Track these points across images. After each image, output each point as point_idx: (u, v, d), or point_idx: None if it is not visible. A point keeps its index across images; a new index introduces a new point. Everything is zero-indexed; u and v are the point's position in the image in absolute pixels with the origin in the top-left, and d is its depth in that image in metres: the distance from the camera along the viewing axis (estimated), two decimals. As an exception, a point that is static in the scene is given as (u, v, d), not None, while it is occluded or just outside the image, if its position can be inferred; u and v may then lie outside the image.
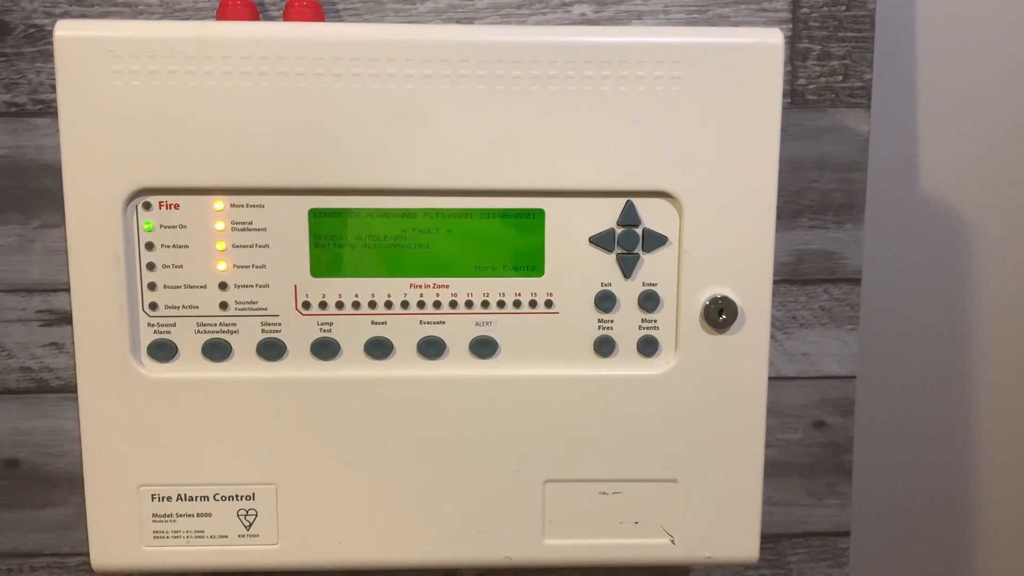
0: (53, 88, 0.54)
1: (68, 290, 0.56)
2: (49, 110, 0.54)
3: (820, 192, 0.57)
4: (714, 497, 0.50)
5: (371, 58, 0.45)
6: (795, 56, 0.56)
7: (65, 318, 0.56)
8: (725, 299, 0.47)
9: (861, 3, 0.56)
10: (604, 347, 0.48)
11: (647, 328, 0.49)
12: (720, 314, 0.47)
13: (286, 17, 0.50)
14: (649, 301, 0.48)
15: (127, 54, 0.45)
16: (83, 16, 0.53)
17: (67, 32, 0.45)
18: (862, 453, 0.64)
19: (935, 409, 0.65)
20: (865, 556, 0.66)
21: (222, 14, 0.50)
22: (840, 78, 0.56)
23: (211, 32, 0.45)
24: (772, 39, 0.46)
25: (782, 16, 0.56)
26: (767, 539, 0.61)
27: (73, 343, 0.56)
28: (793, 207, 0.57)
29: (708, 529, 0.50)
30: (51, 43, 0.54)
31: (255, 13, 0.51)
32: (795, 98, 0.56)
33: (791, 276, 0.58)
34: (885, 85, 0.60)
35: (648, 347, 0.49)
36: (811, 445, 0.60)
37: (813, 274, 0.58)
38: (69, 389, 0.57)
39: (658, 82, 0.46)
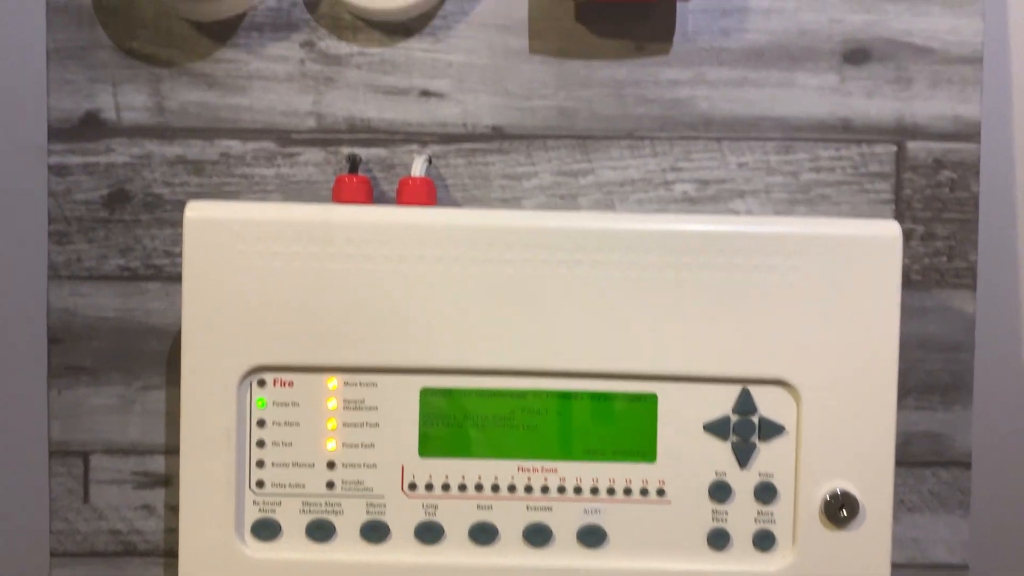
0: (166, 254, 0.55)
1: (164, 452, 0.56)
2: (160, 275, 0.55)
3: (926, 372, 0.56)
4: None
5: (487, 243, 0.46)
6: (898, 236, 0.56)
7: (159, 480, 0.56)
8: (846, 494, 0.46)
9: (965, 185, 0.56)
10: (718, 540, 0.47)
11: (763, 521, 0.47)
12: (841, 510, 0.46)
13: (399, 196, 0.51)
14: (766, 492, 0.47)
15: (252, 235, 0.46)
16: (200, 186, 0.55)
17: (197, 213, 0.46)
18: (975, 647, 0.61)
19: (1051, 600, 0.61)
20: None
21: (338, 191, 0.51)
22: (945, 259, 0.56)
23: (334, 217, 0.46)
24: (890, 232, 0.46)
25: (884, 197, 0.56)
26: None
27: (165, 507, 0.56)
28: (899, 388, 0.56)
29: None
30: (167, 211, 0.55)
31: (370, 189, 0.52)
32: (899, 277, 0.56)
33: (898, 458, 0.56)
34: (990, 265, 0.59)
35: (764, 541, 0.47)
36: (922, 638, 0.57)
37: (921, 456, 0.56)
38: (156, 552, 0.56)
39: (774, 271, 0.46)
